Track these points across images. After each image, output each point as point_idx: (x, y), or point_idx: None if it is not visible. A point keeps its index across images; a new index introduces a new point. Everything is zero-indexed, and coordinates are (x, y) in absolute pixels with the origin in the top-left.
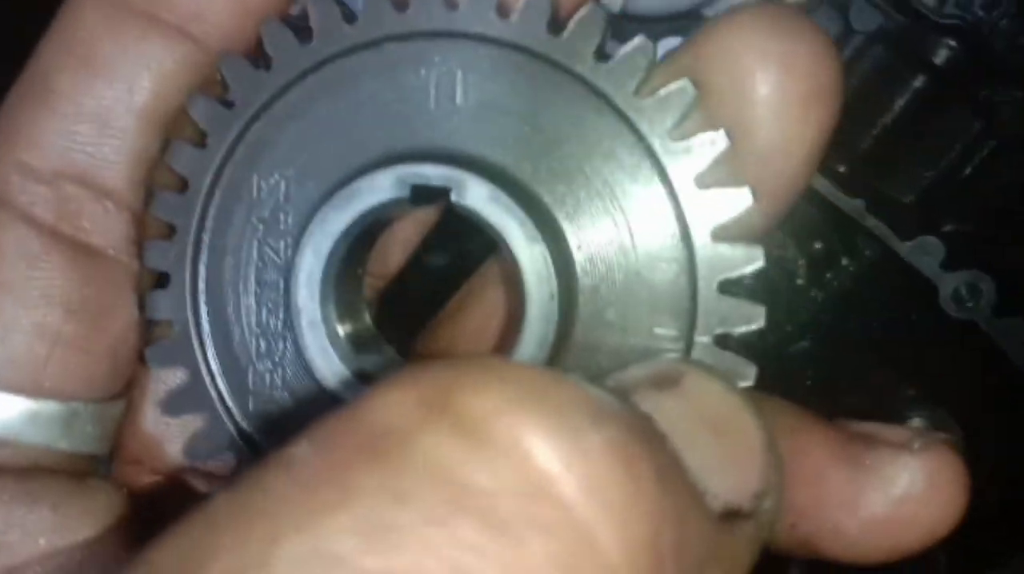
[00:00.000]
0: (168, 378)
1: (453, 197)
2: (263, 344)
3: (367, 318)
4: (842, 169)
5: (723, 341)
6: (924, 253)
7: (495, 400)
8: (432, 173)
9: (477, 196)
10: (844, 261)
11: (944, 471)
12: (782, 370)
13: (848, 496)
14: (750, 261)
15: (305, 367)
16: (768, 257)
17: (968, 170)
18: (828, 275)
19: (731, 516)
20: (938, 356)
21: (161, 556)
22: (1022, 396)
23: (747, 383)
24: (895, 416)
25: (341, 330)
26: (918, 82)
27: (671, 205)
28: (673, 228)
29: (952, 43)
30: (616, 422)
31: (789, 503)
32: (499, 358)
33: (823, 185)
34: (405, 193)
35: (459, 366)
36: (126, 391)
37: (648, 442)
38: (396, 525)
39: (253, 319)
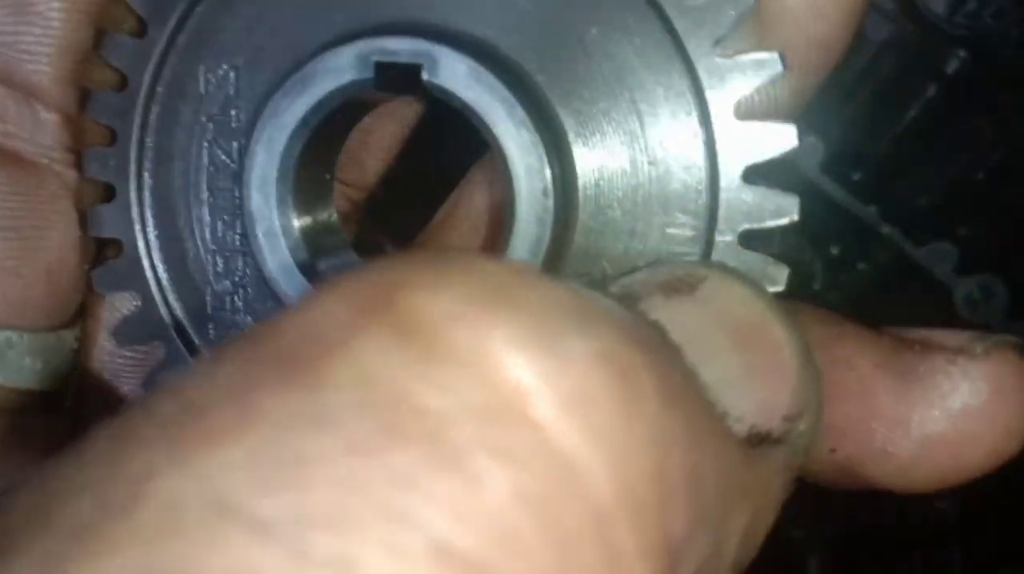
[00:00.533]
0: (121, 304)
1: (424, 75)
2: (220, 262)
3: (337, 228)
4: (856, 176)
5: (750, 239)
6: (938, 258)
7: (453, 300)
8: (399, 47)
9: (453, 73)
10: (860, 265)
11: (1012, 377)
12: None
13: (899, 412)
14: (781, 142)
15: (267, 285)
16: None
17: (981, 175)
18: (844, 279)
19: (759, 441)
20: None
21: (24, 494)
22: None
23: (778, 288)
24: None
25: (305, 241)
26: (930, 90)
27: (687, 77)
28: (689, 105)
29: (962, 52)
30: (611, 329)
31: (829, 423)
32: (462, 252)
33: (838, 192)
34: (368, 74)
35: (411, 261)
36: (76, 321)
37: (653, 353)
38: (307, 456)
39: (208, 233)
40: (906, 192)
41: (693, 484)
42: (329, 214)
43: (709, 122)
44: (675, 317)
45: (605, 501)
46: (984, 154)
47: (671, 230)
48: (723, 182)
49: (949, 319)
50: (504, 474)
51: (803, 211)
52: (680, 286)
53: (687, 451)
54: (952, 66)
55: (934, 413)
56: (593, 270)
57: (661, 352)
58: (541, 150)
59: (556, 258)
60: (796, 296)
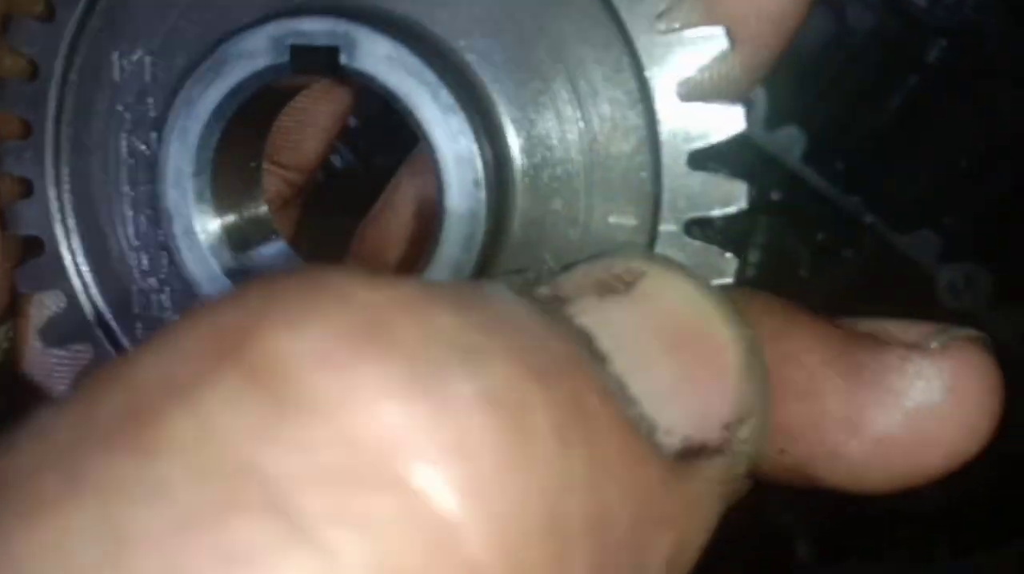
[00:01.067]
0: (49, 303)
1: (342, 58)
2: (145, 259)
3: (268, 221)
4: (839, 166)
5: (697, 229)
6: (921, 246)
7: (317, 337)
8: (315, 28)
9: (373, 56)
10: (845, 253)
11: (969, 375)
12: None
13: (849, 412)
14: (727, 125)
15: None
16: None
17: (963, 164)
18: (830, 266)
19: (693, 454)
20: None
21: None
22: (1019, 384)
23: (726, 280)
24: None
25: (229, 238)
26: (912, 81)
27: (627, 55)
28: (629, 85)
29: (944, 42)
30: (506, 362)
31: (777, 424)
32: (341, 275)
33: (820, 182)
34: (284, 58)
35: (276, 289)
36: (5, 320)
37: (559, 381)
38: (130, 535)
39: (131, 229)
40: (889, 181)
41: (598, 527)
42: (258, 206)
43: (651, 103)
44: (607, 320)
45: (484, 569)
46: (966, 143)
47: (614, 219)
48: (667, 168)
49: (932, 306)
50: (364, 547)
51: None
52: (616, 284)
53: (592, 492)
54: (933, 56)
55: (886, 413)
56: (535, 263)
57: (574, 374)
58: (471, 136)
59: (493, 253)
60: (782, 283)
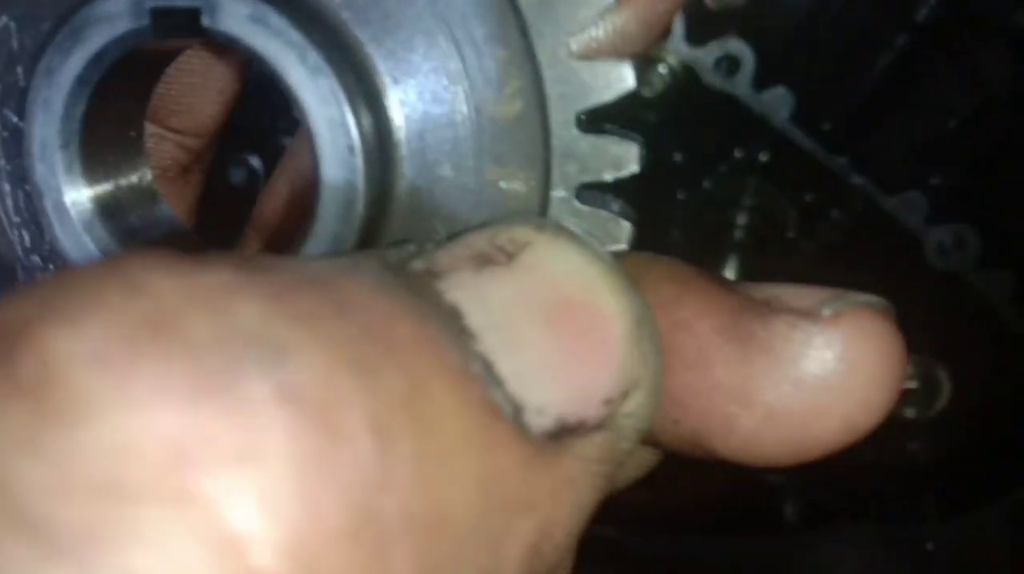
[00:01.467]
0: None
1: (204, 20)
2: (27, 236)
3: (152, 191)
4: (827, 126)
5: (592, 195)
6: (909, 207)
7: (93, 338)
8: None
9: (235, 16)
10: (834, 214)
11: (863, 345)
12: None
13: (738, 382)
14: (615, 84)
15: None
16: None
17: (952, 124)
18: (818, 227)
19: (568, 433)
20: (924, 308)
21: None
22: (1006, 345)
23: (619, 246)
24: None
25: (104, 212)
26: (901, 39)
27: (510, 11)
28: (516, 43)
29: (933, 2)
30: (316, 352)
31: (670, 395)
32: (137, 259)
33: (807, 143)
34: (145, 21)
35: (60, 282)
36: None
37: (382, 371)
38: None
39: (10, 205)
40: (877, 142)
41: (426, 523)
42: (140, 176)
43: (536, 62)
44: (481, 295)
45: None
46: (955, 103)
47: (506, 184)
48: (556, 131)
49: (921, 268)
50: (135, 563)
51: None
52: (497, 255)
53: (419, 487)
54: (923, 15)
55: (775, 384)
56: (425, 233)
57: (417, 359)
58: (344, 100)
59: (376, 224)
60: (769, 245)
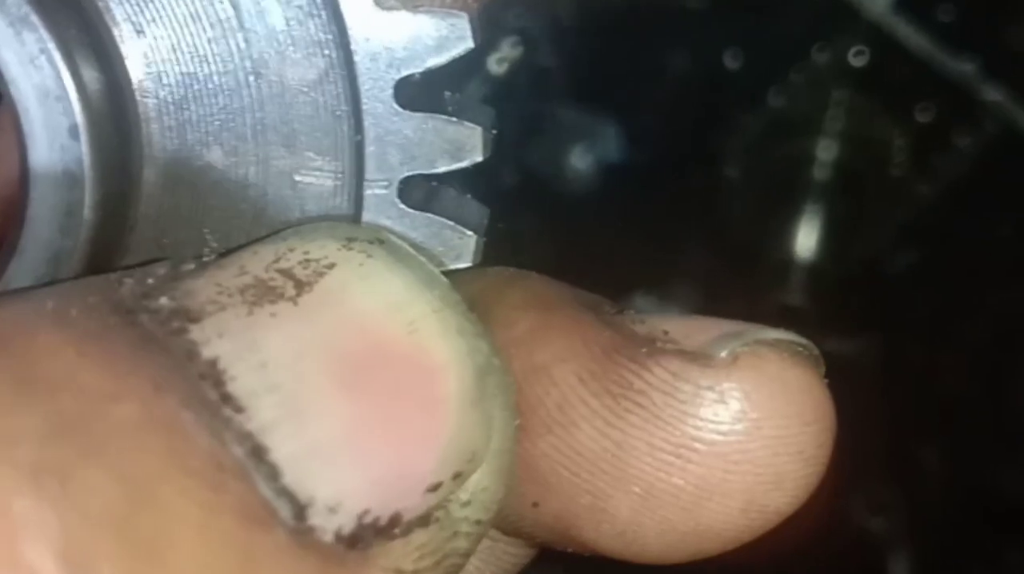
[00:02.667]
0: None
1: None
2: None
3: None
4: (945, 16)
5: (422, 192)
6: None
7: None
8: None
9: None
10: (957, 141)
11: (771, 397)
12: (877, 298)
13: (610, 449)
14: (448, 43)
15: None
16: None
17: None
18: (935, 160)
19: (378, 533)
20: None
21: None
22: None
23: (461, 264)
24: None
25: None
26: None
27: None
28: None
29: None
30: None
31: (527, 466)
32: None
33: (918, 40)
34: None
35: None
36: None
37: (76, 477)
38: None
39: None
40: (1016, 37)
41: None
42: None
43: (339, 13)
44: (254, 346)
45: None
46: None
47: (302, 178)
48: (369, 106)
49: None
50: None
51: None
52: (281, 285)
53: None
54: None
55: (656, 452)
56: (185, 247)
57: (138, 454)
58: (60, 61)
59: (112, 235)
60: (866, 187)
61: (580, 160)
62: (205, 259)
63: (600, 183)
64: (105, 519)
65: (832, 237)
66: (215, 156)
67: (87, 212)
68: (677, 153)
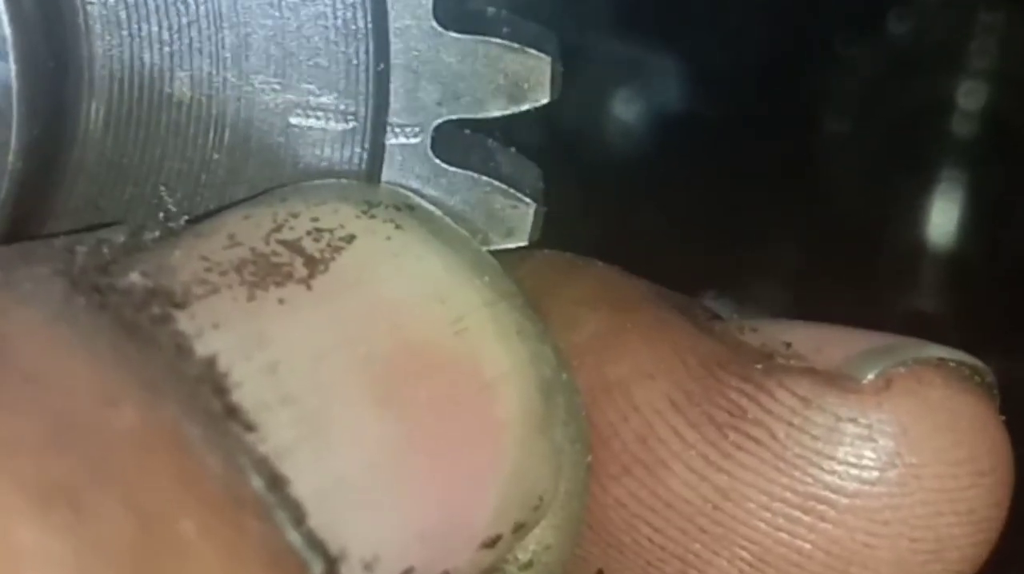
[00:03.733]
0: None
1: None
2: None
3: None
4: None
5: (465, 143)
6: None
7: None
8: None
9: None
10: None
11: (933, 432)
12: None
13: (712, 500)
14: None
15: None
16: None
17: None
18: None
19: None
20: None
21: None
22: None
23: (515, 242)
24: None
25: None
26: None
27: None
28: None
29: None
30: None
31: (594, 522)
32: None
33: None
34: None
35: None
36: None
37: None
38: None
39: None
40: None
41: None
42: None
43: None
44: (261, 342)
45: None
46: None
47: (300, 120)
48: (396, 23)
49: None
50: None
51: None
52: (289, 262)
53: None
54: None
55: (778, 505)
56: (140, 209)
57: (144, 469)
58: None
59: (45, 190)
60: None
61: (628, 109)
62: (172, 225)
63: (656, 141)
64: (125, 560)
65: (977, 217)
66: (180, 86)
67: (12, 159)
68: (761, 102)
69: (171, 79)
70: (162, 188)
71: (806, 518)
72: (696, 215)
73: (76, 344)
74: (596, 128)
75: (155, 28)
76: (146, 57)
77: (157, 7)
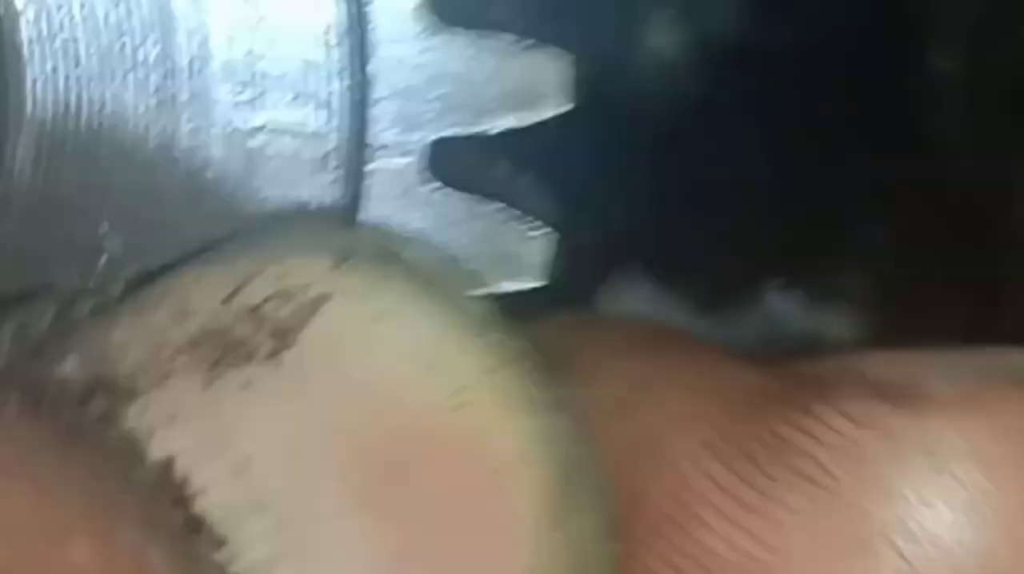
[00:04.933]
0: None
1: None
2: None
3: None
4: None
5: (464, 158)
6: None
7: None
8: None
9: None
10: None
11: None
12: None
13: (754, 557)
14: None
15: None
16: None
17: None
18: None
19: None
20: None
21: None
22: None
23: (525, 282)
24: None
25: None
26: None
27: None
28: None
29: None
30: None
31: None
32: None
33: None
34: None
35: None
36: None
37: None
38: None
39: None
40: None
41: None
42: None
43: None
44: (225, 439)
45: None
46: None
47: (265, 139)
48: (380, 20)
49: None
50: None
51: None
52: (251, 337)
53: None
54: None
55: (833, 551)
56: (76, 247)
57: None
58: None
59: None
60: None
61: (668, 39)
62: (112, 291)
63: (703, 82)
64: None
65: None
66: (123, 102)
67: None
68: (845, 35)
69: (112, 92)
70: (103, 228)
71: (860, 566)
72: (755, 181)
73: (14, 471)
74: (627, 66)
75: (97, 44)
76: (84, 78)
77: (99, 19)
